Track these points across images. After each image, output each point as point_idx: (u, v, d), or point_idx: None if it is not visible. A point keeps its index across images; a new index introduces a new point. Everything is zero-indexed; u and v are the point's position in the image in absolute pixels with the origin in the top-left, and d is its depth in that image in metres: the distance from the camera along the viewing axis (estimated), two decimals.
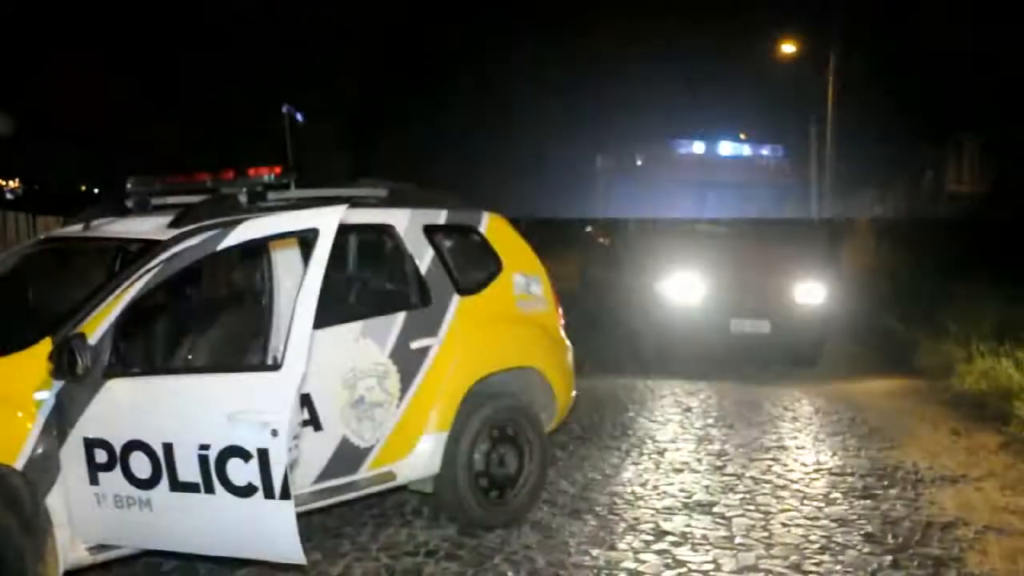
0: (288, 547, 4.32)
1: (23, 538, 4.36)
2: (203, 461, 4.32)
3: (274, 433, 4.20)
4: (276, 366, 4.32)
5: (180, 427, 4.36)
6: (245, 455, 4.25)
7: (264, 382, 4.33)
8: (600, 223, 16.48)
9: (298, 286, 5.42)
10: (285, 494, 4.24)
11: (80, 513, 4.51)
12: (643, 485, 7.18)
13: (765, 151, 14.22)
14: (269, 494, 4.25)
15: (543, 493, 6.62)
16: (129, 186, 5.88)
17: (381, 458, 5.68)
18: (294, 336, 4.30)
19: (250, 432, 4.24)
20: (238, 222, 4.74)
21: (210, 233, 4.72)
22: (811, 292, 11.95)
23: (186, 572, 5.45)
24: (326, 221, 4.46)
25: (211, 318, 5.91)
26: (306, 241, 5.28)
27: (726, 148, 14.32)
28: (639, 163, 14.26)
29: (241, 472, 4.28)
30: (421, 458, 5.85)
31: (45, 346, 4.46)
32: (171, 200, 5.86)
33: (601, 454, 7.98)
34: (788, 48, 24.61)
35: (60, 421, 4.46)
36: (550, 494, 6.79)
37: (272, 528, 4.31)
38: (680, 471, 7.54)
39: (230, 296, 6.42)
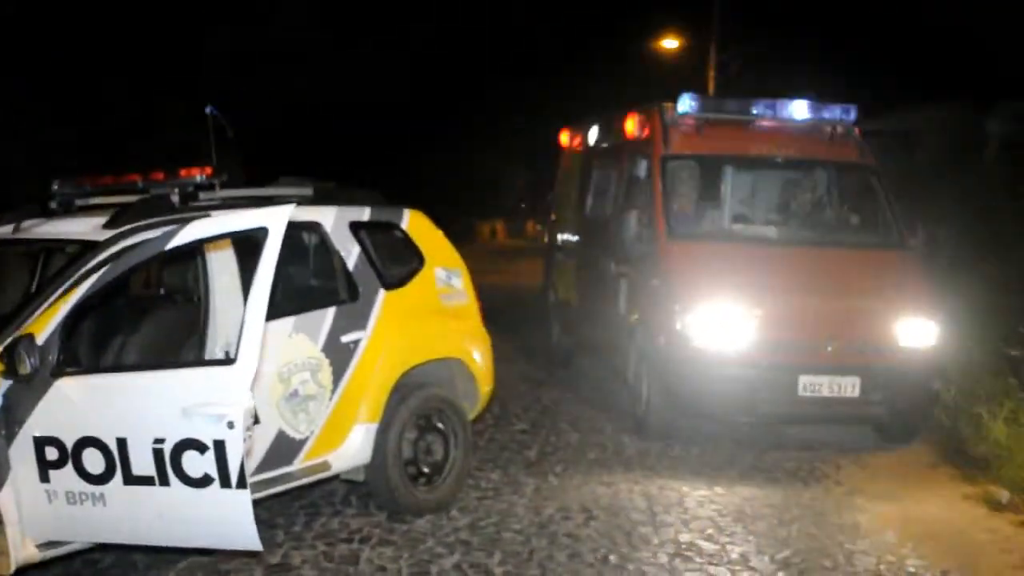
0: (244, 534, 4.48)
1: None
2: (158, 454, 4.45)
3: (230, 425, 4.36)
4: (230, 360, 4.47)
5: (134, 422, 4.48)
6: (201, 447, 4.40)
7: (219, 376, 4.47)
8: (564, 220, 11.84)
9: (232, 284, 5.61)
10: (242, 483, 4.40)
11: (30, 510, 4.58)
12: (565, 469, 7.48)
13: (830, 112, 9.09)
14: (226, 484, 4.40)
15: (468, 479, 6.88)
16: (55, 187, 5.92)
17: (316, 449, 5.86)
18: (247, 331, 4.46)
19: (206, 424, 4.38)
20: (185, 221, 4.84)
21: (158, 232, 4.82)
22: (919, 331, 7.94)
23: (124, 565, 5.54)
24: (275, 220, 4.61)
25: (140, 317, 5.96)
26: (239, 240, 5.45)
27: (767, 107, 9.10)
28: (643, 134, 9.30)
29: (197, 464, 4.42)
30: (353, 448, 6.04)
31: None
32: (94, 201, 5.92)
33: (515, 438, 8.27)
34: (670, 43, 25.35)
35: (8, 420, 4.53)
36: (474, 479, 7.04)
37: (229, 516, 4.46)
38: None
39: (157, 295, 6.48)
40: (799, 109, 8.99)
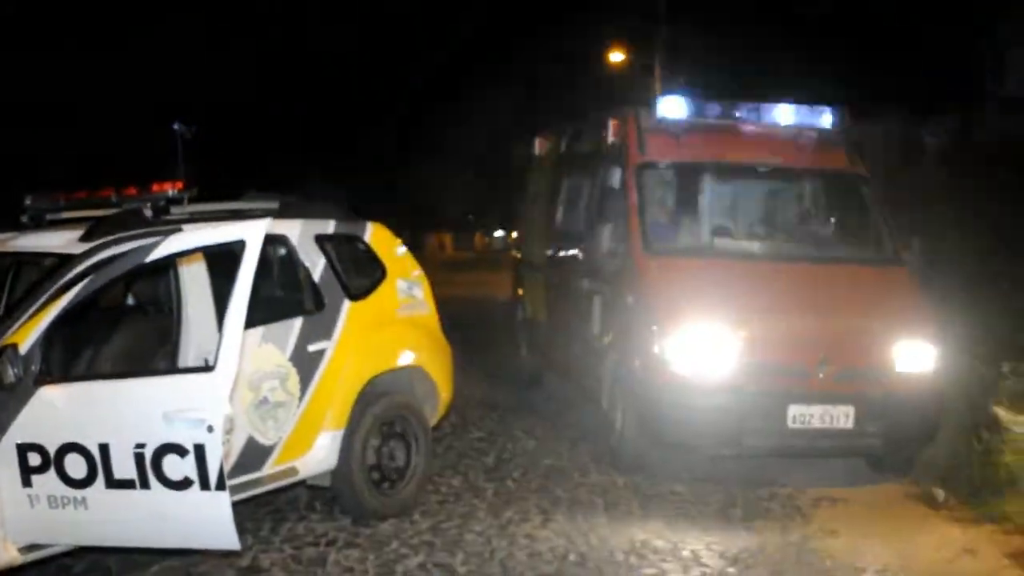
0: (224, 535, 4.68)
1: None
2: (139, 459, 4.63)
3: (210, 429, 4.56)
4: (210, 367, 4.67)
5: (116, 428, 4.66)
6: (181, 451, 4.59)
7: (199, 382, 4.68)
8: (533, 232, 11.10)
9: (203, 294, 5.81)
10: (220, 485, 4.60)
11: (13, 515, 4.74)
12: (523, 474, 7.73)
13: (810, 117, 8.51)
14: (205, 486, 4.60)
15: (428, 485, 7.10)
16: (28, 202, 6.08)
17: (284, 455, 6.05)
18: (226, 339, 4.66)
19: (186, 429, 4.58)
20: (161, 234, 5.03)
21: (137, 244, 5.00)
22: (917, 355, 7.34)
23: (98, 570, 5.70)
24: (252, 233, 4.83)
25: (112, 327, 6.12)
26: (209, 253, 5.65)
27: (751, 112, 8.50)
28: (612, 140, 8.59)
29: (177, 467, 4.62)
30: (320, 454, 6.25)
31: None
32: (65, 215, 6.09)
33: (473, 446, 8.51)
34: (617, 56, 25.80)
35: None
36: (434, 484, 7.26)
37: (208, 517, 4.66)
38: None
39: (127, 305, 6.63)
40: (785, 113, 8.43)
